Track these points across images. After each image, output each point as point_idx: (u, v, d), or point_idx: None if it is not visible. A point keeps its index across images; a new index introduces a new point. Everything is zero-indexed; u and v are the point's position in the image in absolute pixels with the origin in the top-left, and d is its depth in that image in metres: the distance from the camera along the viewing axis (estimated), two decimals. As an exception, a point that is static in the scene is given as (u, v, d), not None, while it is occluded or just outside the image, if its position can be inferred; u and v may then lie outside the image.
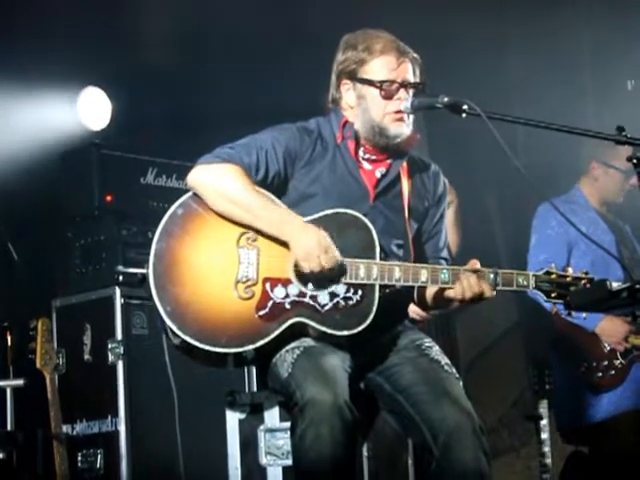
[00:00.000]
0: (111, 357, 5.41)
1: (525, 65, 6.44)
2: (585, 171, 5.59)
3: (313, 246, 3.49)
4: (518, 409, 6.86)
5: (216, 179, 3.58)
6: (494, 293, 3.61)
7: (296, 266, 3.57)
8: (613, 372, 5.23)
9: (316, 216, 3.60)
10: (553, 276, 3.63)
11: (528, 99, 6.31)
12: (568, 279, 3.63)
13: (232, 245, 3.57)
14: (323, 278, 3.54)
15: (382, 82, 3.68)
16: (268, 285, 3.55)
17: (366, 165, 3.77)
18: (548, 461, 5.04)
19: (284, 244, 3.57)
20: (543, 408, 5.08)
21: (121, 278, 5.44)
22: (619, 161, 5.30)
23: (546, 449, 5.03)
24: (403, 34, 3.79)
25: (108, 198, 5.66)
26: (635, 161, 3.35)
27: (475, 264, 3.61)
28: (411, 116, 3.73)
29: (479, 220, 6.78)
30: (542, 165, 5.94)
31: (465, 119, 3.59)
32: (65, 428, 5.17)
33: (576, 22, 6.24)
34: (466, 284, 3.56)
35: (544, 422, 5.06)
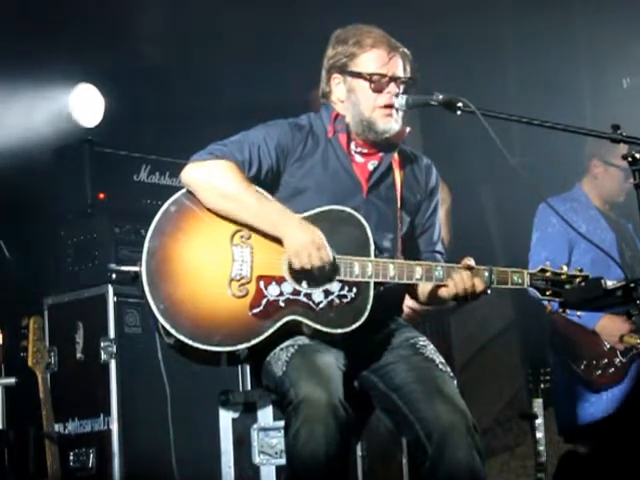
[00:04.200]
0: (103, 356, 5.37)
1: (521, 63, 6.42)
2: (587, 169, 5.58)
3: (305, 243, 3.47)
4: (513, 408, 6.84)
5: (209, 176, 3.57)
6: (489, 290, 3.60)
7: (290, 264, 3.54)
8: (613, 370, 5.20)
9: (310, 213, 3.59)
10: (548, 274, 3.62)
11: (523, 97, 6.29)
12: (563, 277, 3.62)
13: (226, 243, 3.55)
14: (316, 276, 3.51)
15: (372, 75, 3.67)
16: (262, 283, 3.53)
17: (358, 158, 3.76)
18: (543, 460, 5.02)
19: (278, 242, 3.55)
20: (538, 407, 5.05)
21: (114, 276, 5.41)
22: (619, 159, 5.27)
23: (541, 448, 5.00)
24: (399, 34, 3.78)
25: (101, 195, 5.63)
26: (630, 159, 3.35)
27: (469, 261, 3.59)
28: (400, 112, 3.71)
29: (475, 218, 6.75)
30: (537, 163, 5.94)
31: (460, 118, 3.58)
32: (57, 427, 5.15)
33: (572, 20, 6.22)
34: (458, 278, 3.55)
35: (539, 421, 5.03)
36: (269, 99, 5.76)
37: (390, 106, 3.67)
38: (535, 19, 6.11)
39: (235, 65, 6.22)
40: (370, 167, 3.75)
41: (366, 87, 3.68)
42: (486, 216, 7.20)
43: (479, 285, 3.56)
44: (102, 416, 5.33)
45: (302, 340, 3.52)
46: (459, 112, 3.56)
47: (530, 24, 6.13)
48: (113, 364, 5.35)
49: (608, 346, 5.24)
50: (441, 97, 3.59)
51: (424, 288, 3.73)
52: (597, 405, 5.22)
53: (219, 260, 3.53)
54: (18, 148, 5.75)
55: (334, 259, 3.51)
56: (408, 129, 3.81)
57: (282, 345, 3.51)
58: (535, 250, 5.42)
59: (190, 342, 3.44)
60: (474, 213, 6.81)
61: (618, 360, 5.21)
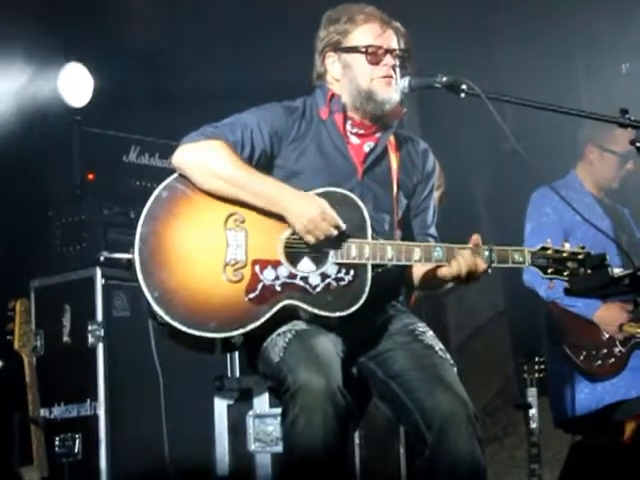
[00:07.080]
0: (91, 339, 5.31)
1: (518, 48, 6.38)
2: (582, 155, 5.52)
3: (312, 215, 3.42)
4: (502, 398, 6.81)
5: (202, 156, 3.50)
6: (489, 270, 3.52)
7: (286, 247, 3.49)
8: (612, 360, 5.15)
9: (306, 195, 3.52)
10: (549, 251, 3.56)
11: (521, 83, 6.25)
12: (565, 254, 3.56)
13: (219, 227, 3.49)
14: (324, 246, 3.45)
15: (368, 47, 3.64)
16: (257, 267, 3.46)
17: (354, 139, 3.71)
18: (537, 450, 4.98)
19: (273, 224, 3.49)
20: (532, 397, 5.00)
21: (102, 258, 5.33)
22: (615, 145, 5.25)
23: (535, 439, 4.96)
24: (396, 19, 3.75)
25: (90, 176, 5.57)
26: (639, 145, 3.31)
27: (477, 240, 3.52)
28: (399, 82, 3.65)
29: (465, 203, 6.71)
30: (531, 149, 5.89)
31: (458, 102, 3.52)
32: (43, 411, 5.06)
33: (570, 5, 6.18)
34: (462, 260, 3.47)
35: (533, 411, 4.98)
36: (261, 82, 5.69)
37: (388, 76, 3.63)
38: (532, 3, 6.07)
39: (227, 46, 6.16)
40: (366, 149, 3.70)
41: (362, 61, 3.65)
42: (476, 201, 7.17)
43: (480, 265, 3.50)
44: (89, 401, 5.26)
45: (300, 325, 3.46)
46: (463, 94, 3.51)
47: (527, 9, 6.10)
48: (100, 348, 5.29)
49: (607, 336, 5.18)
50: (445, 79, 3.54)
51: (421, 271, 3.67)
52: (593, 396, 5.16)
53: (213, 245, 3.47)
54: (5, 128, 5.66)
55: (342, 225, 3.45)
56: (404, 109, 3.76)
57: (279, 330, 3.45)
58: (530, 241, 5.34)
59: (186, 329, 3.37)
60: (465, 197, 6.76)
61: (618, 350, 5.15)
